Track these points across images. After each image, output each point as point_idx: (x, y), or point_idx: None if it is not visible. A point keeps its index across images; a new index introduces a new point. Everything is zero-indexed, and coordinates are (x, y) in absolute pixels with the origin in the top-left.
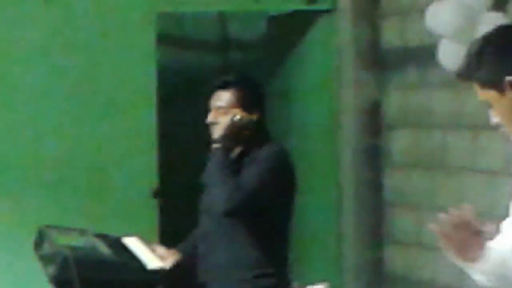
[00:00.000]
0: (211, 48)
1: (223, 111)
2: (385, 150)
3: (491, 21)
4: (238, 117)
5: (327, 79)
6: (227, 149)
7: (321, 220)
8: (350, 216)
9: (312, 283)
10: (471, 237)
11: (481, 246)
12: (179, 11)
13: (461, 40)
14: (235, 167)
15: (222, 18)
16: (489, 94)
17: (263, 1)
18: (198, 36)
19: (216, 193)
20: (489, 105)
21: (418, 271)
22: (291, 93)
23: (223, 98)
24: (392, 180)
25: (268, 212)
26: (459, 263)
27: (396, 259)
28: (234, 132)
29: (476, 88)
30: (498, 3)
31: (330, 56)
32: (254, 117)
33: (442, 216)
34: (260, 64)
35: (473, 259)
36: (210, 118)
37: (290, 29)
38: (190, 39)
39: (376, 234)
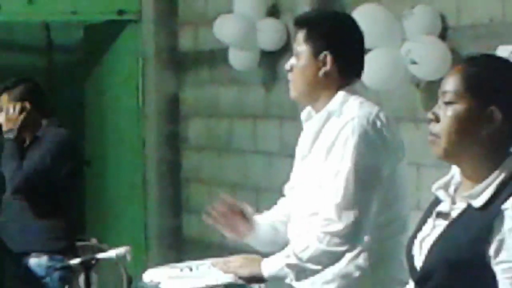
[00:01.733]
0: (37, 52)
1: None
2: (182, 135)
3: (267, 26)
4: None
5: (134, 77)
6: (16, 138)
7: (130, 193)
8: (154, 191)
9: (119, 246)
10: (240, 220)
11: (249, 226)
12: (7, 20)
13: (245, 47)
14: (23, 151)
15: (47, 26)
16: (304, 52)
17: (80, 12)
18: (26, 42)
19: (5, 176)
20: (296, 58)
21: (209, 236)
22: (105, 89)
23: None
24: (188, 160)
25: (54, 186)
26: (234, 239)
27: (192, 225)
28: (20, 123)
29: (300, 39)
30: (272, 12)
31: (136, 58)
32: (28, 107)
33: (208, 208)
34: (79, 65)
35: (244, 236)
36: None
37: (103, 36)
38: (19, 44)
39: (175, 205)
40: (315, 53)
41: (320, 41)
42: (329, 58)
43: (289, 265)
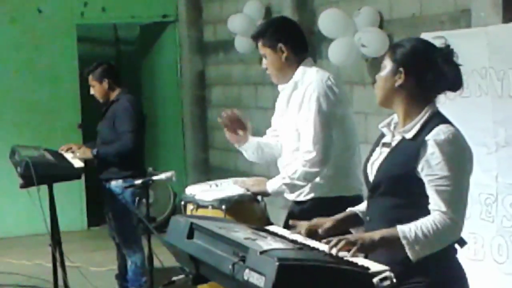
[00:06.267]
0: (108, 44)
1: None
2: (207, 98)
3: None
4: None
5: (174, 60)
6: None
7: (173, 137)
8: (189, 135)
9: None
10: (240, 129)
11: (245, 136)
12: (90, 23)
13: (247, 36)
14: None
15: (115, 26)
16: (266, 50)
17: (137, 17)
18: (101, 37)
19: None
20: (265, 57)
21: (227, 164)
22: (155, 68)
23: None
24: (211, 114)
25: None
26: (236, 146)
27: (215, 157)
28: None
29: (260, 46)
30: (267, 15)
31: (175, 47)
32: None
33: (222, 114)
34: (137, 52)
35: (240, 143)
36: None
37: (153, 32)
38: (96, 39)
39: (203, 144)
40: (273, 47)
41: (273, 39)
42: (284, 48)
43: (285, 184)
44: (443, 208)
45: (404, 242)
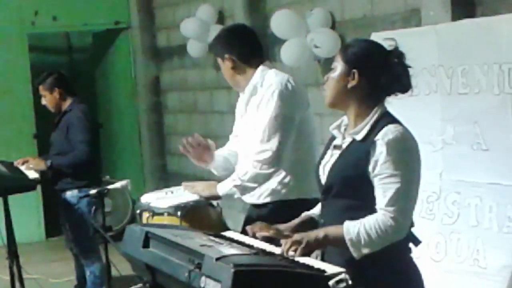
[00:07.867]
0: (61, 53)
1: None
2: (163, 103)
3: (217, 29)
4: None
5: (128, 67)
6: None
7: (130, 144)
8: (146, 141)
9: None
10: (204, 152)
11: (210, 156)
12: (41, 32)
13: (201, 41)
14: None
15: (67, 35)
16: (218, 61)
17: (89, 24)
18: (53, 46)
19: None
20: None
21: (184, 170)
22: (108, 76)
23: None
24: (168, 120)
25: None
26: (204, 167)
27: (172, 163)
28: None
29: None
30: (220, 19)
31: (128, 53)
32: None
33: (183, 140)
34: (90, 60)
35: (207, 164)
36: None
37: (105, 39)
38: (48, 48)
39: (160, 150)
40: (221, 58)
41: (220, 50)
42: (230, 58)
43: (235, 186)
44: (387, 207)
45: (347, 239)
